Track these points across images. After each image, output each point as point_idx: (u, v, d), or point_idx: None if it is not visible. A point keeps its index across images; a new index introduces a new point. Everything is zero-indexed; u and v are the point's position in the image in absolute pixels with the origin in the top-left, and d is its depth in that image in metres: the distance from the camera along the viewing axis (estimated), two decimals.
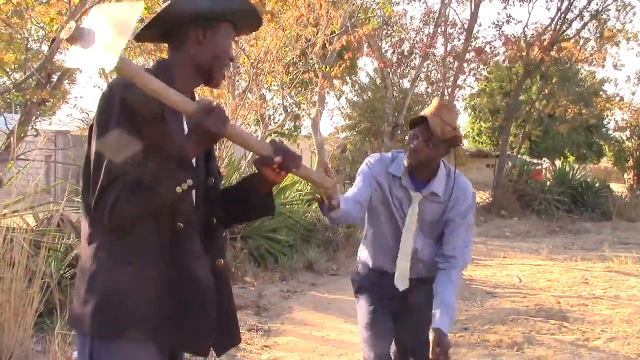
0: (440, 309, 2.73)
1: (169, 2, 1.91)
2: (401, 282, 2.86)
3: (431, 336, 2.72)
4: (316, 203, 10.50)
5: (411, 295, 2.89)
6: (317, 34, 9.99)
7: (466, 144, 31.23)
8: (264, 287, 7.10)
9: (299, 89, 12.67)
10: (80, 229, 1.95)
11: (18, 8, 5.76)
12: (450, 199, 2.83)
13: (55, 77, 6.07)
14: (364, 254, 3.02)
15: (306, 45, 10.01)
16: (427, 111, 2.76)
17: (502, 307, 6.60)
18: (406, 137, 3.21)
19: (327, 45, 10.57)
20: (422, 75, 18.11)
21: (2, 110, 5.78)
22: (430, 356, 2.73)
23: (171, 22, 1.92)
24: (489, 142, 27.95)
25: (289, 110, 16.09)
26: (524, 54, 18.06)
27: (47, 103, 5.85)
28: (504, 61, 20.29)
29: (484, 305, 6.69)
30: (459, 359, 4.69)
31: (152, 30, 1.97)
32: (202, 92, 8.57)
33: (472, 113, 28.66)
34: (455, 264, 2.83)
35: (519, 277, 8.35)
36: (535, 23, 20.34)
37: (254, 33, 9.49)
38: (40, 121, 6.21)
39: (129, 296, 1.77)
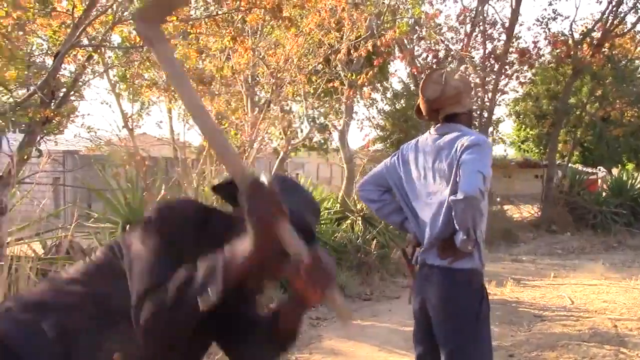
0: None
1: None
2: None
3: None
4: (347, 222, 10.51)
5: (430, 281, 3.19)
6: (341, 40, 10.07)
7: (511, 152, 31.01)
8: None
9: (325, 98, 12.74)
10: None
11: (19, 22, 5.88)
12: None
13: (60, 94, 6.15)
14: None
15: (329, 51, 10.09)
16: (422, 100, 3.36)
17: (552, 331, 6.52)
18: None
19: (352, 51, 10.62)
20: None
21: (6, 130, 5.83)
22: None
23: None
24: (537, 150, 27.76)
25: (316, 121, 16.17)
26: (572, 52, 17.84)
27: (52, 122, 5.93)
28: (550, 62, 20.16)
29: (532, 330, 6.61)
30: None
31: None
32: (219, 107, 8.66)
33: (517, 119, 28.48)
34: None
35: (570, 299, 8.23)
36: (584, 19, 20.01)
37: (273, 39, 9.63)
38: (45, 141, 6.28)
39: None
